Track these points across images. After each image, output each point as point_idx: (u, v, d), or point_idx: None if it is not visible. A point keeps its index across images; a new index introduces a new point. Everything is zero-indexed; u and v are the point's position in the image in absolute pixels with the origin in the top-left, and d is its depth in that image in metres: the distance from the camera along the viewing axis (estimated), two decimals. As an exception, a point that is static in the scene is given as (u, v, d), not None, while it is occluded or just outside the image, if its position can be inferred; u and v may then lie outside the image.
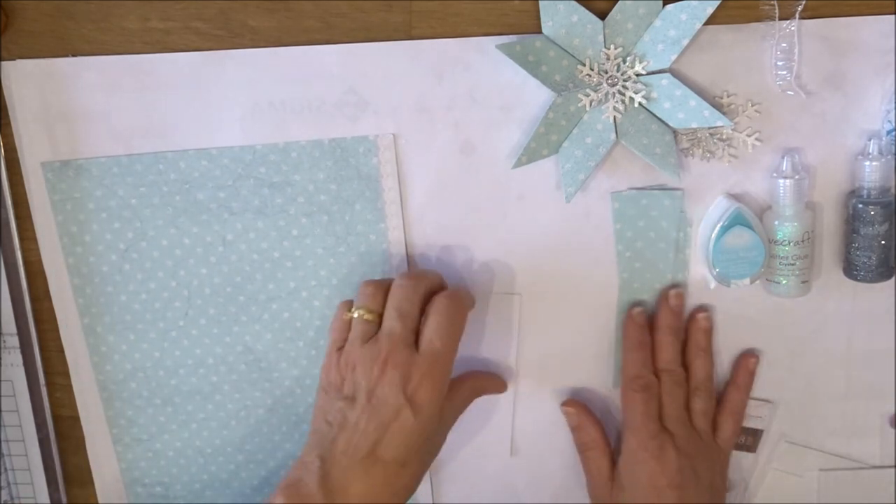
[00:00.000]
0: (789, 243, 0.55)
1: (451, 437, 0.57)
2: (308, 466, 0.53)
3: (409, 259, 0.60)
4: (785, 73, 0.54)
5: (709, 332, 0.59)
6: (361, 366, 0.53)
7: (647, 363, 0.59)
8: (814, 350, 0.61)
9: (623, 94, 0.54)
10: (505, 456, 0.64)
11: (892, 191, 0.55)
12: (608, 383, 0.62)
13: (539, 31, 0.53)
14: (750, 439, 0.63)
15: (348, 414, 0.53)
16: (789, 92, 0.54)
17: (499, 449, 0.64)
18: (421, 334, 0.54)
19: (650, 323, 0.59)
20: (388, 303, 0.55)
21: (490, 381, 0.61)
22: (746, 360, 0.60)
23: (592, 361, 0.62)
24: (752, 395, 0.62)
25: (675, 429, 0.58)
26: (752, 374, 0.61)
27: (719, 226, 0.55)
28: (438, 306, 0.54)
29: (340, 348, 0.55)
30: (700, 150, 0.56)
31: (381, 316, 0.55)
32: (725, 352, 0.61)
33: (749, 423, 0.62)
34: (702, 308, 0.60)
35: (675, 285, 0.59)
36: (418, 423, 0.52)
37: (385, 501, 0.52)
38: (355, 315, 0.55)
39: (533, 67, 0.53)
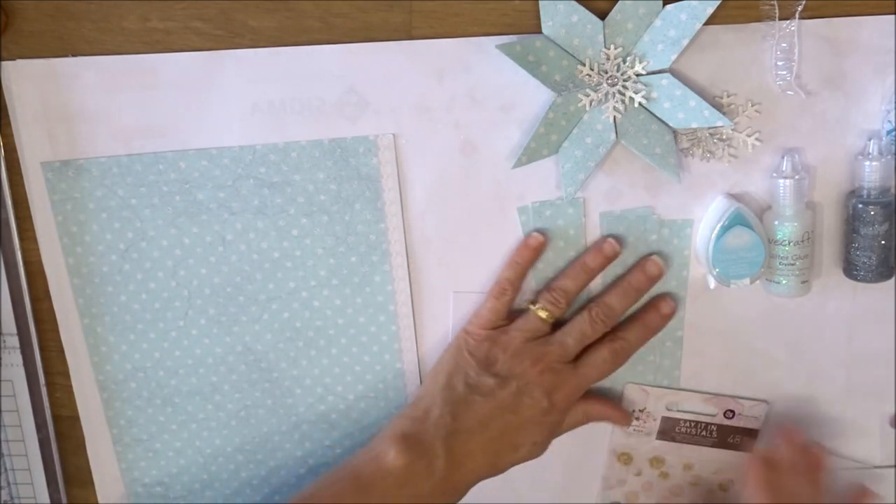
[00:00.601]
0: (789, 243, 0.55)
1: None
2: (435, 420, 0.56)
3: (409, 259, 0.60)
4: (785, 73, 0.54)
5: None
6: (523, 359, 0.57)
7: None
8: (814, 350, 0.61)
9: (623, 94, 0.54)
10: None
11: (892, 191, 0.55)
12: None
13: (539, 31, 0.53)
14: (746, 439, 0.63)
15: (496, 392, 0.57)
16: (789, 92, 0.54)
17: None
18: (588, 355, 0.58)
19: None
20: (578, 320, 0.58)
21: (615, 410, 0.62)
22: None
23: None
24: (748, 394, 0.62)
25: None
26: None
27: (719, 226, 0.55)
28: (613, 353, 0.58)
29: (497, 328, 0.59)
30: (700, 150, 0.56)
31: (554, 322, 0.58)
32: (726, 352, 0.61)
33: (745, 424, 0.62)
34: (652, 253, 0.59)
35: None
36: (548, 421, 0.58)
37: (492, 471, 0.58)
38: (533, 307, 0.58)
39: (533, 67, 0.53)
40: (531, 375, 0.57)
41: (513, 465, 0.58)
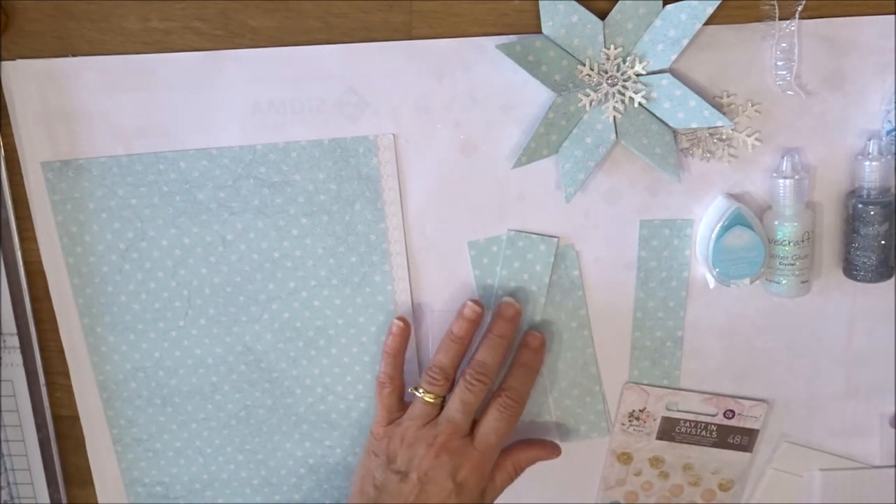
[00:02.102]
0: (789, 243, 0.55)
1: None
2: None
3: (409, 259, 0.60)
4: (785, 73, 0.54)
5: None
6: (418, 446, 0.57)
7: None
8: (814, 350, 0.61)
9: (623, 94, 0.54)
10: None
11: (892, 191, 0.55)
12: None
13: (539, 31, 0.53)
14: (746, 439, 0.63)
15: (401, 487, 0.56)
16: (789, 92, 0.54)
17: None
18: (479, 425, 0.58)
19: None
20: (456, 392, 0.58)
21: (542, 449, 0.62)
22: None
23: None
24: (748, 394, 0.62)
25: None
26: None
27: (719, 226, 0.55)
28: (501, 404, 0.58)
29: (393, 421, 0.59)
30: (700, 150, 0.56)
31: (443, 400, 0.58)
32: (726, 352, 0.61)
33: (745, 423, 0.62)
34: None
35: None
36: (459, 502, 0.56)
37: None
38: (419, 394, 0.58)
39: (533, 67, 0.53)
40: (428, 461, 0.56)
41: None
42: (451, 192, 0.58)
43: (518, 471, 0.61)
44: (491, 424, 0.57)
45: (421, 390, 0.58)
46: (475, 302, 0.59)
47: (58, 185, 0.59)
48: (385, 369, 0.59)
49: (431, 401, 0.58)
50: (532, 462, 0.61)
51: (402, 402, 0.60)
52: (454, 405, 0.57)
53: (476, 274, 0.59)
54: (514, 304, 0.58)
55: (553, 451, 0.62)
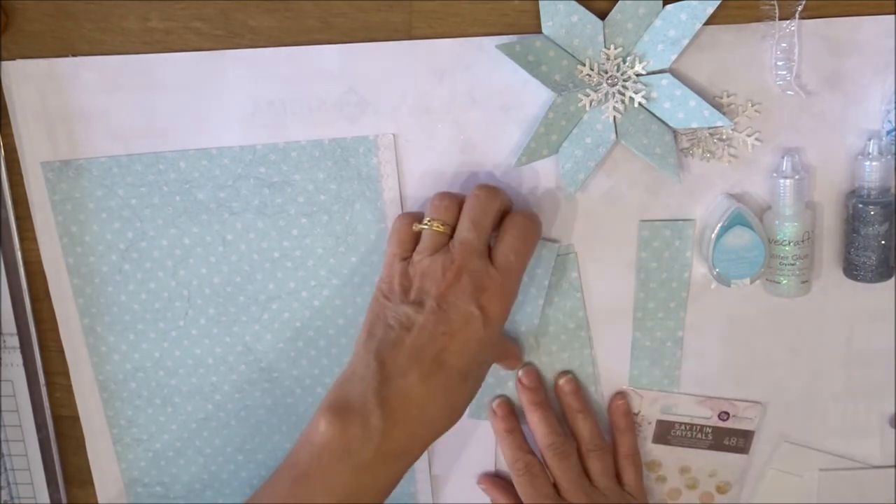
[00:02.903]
0: (789, 243, 0.55)
1: (444, 447, 0.57)
2: (361, 375, 0.49)
3: (409, 259, 0.60)
4: (785, 73, 0.54)
5: (576, 392, 0.60)
6: (433, 273, 0.50)
7: (521, 446, 0.60)
8: (814, 350, 0.61)
9: (623, 94, 0.54)
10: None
11: (892, 191, 0.55)
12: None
13: (539, 31, 0.53)
14: (741, 441, 0.63)
15: (415, 317, 0.50)
16: (789, 92, 0.54)
17: (482, 467, 0.65)
18: (495, 248, 0.52)
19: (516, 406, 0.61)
20: (462, 214, 0.52)
21: (514, 348, 0.60)
22: (616, 404, 0.61)
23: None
24: (748, 394, 0.62)
25: (577, 499, 0.58)
26: (626, 415, 0.62)
27: (719, 226, 0.55)
28: (515, 222, 0.53)
29: (406, 258, 0.53)
30: (700, 150, 0.56)
31: (453, 229, 0.53)
32: (726, 352, 0.61)
33: (740, 425, 0.62)
34: (563, 373, 0.61)
35: (527, 364, 0.61)
36: (486, 335, 0.50)
37: (440, 415, 0.50)
38: (426, 226, 0.53)
39: (533, 67, 0.53)
40: (447, 284, 0.50)
41: (467, 399, 0.51)
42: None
43: (503, 348, 0.59)
44: (508, 243, 0.52)
45: (428, 220, 0.53)
46: None
47: (58, 185, 0.59)
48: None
49: (441, 229, 0.52)
50: (505, 356, 0.59)
51: (414, 241, 0.54)
52: (464, 224, 0.52)
53: None
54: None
55: (516, 362, 0.60)
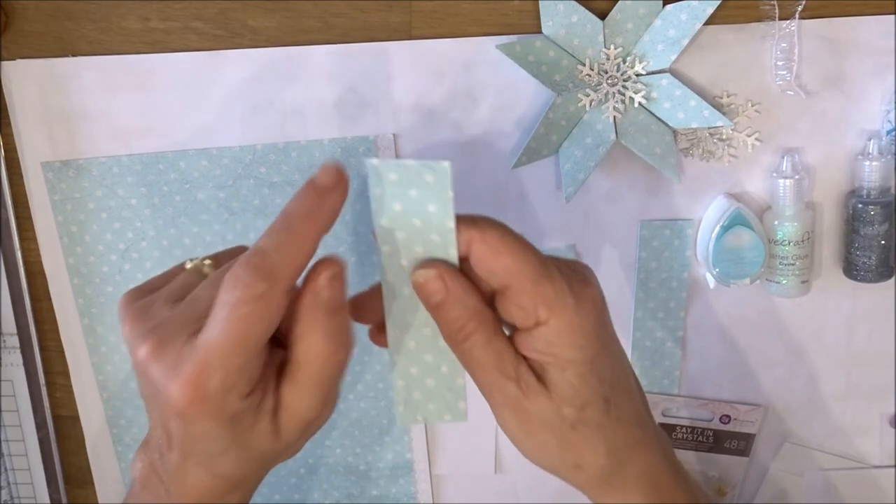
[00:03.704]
0: (789, 243, 0.55)
1: (444, 447, 0.57)
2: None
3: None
4: (785, 73, 0.54)
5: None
6: None
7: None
8: (814, 350, 0.61)
9: (623, 94, 0.54)
10: (489, 473, 0.65)
11: (892, 191, 0.55)
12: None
13: (539, 31, 0.53)
14: (742, 443, 0.63)
15: None
16: (789, 92, 0.54)
17: (483, 467, 0.64)
18: None
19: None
20: None
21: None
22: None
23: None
24: (748, 394, 0.62)
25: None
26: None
27: (719, 226, 0.55)
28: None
29: None
30: (700, 150, 0.56)
31: None
32: (726, 352, 0.61)
33: (741, 428, 0.62)
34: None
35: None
36: None
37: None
38: None
39: (533, 67, 0.53)
40: None
41: None
42: (451, 192, 0.58)
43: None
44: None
45: None
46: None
47: (58, 185, 0.59)
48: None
49: None
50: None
51: None
52: None
53: (378, 221, 0.40)
54: (333, 169, 0.39)
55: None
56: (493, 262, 0.39)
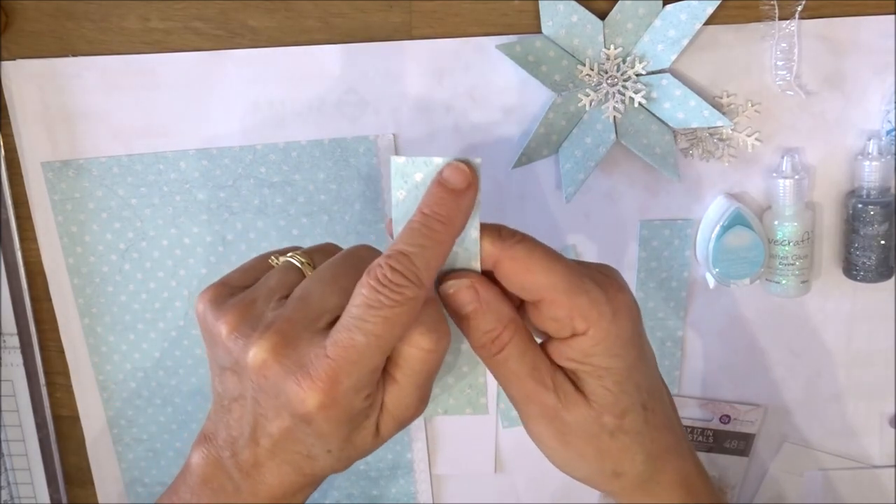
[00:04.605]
0: (789, 243, 0.55)
1: (444, 447, 0.57)
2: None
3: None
4: (785, 73, 0.54)
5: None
6: None
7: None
8: (814, 350, 0.61)
9: (623, 94, 0.54)
10: (489, 473, 0.65)
11: (892, 191, 0.55)
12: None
13: (539, 31, 0.53)
14: (742, 443, 0.63)
15: None
16: (789, 92, 0.54)
17: (483, 467, 0.64)
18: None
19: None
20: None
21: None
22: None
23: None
24: (748, 394, 0.62)
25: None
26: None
27: (719, 226, 0.55)
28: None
29: None
30: (699, 150, 0.56)
31: None
32: (726, 352, 0.61)
33: (741, 428, 0.62)
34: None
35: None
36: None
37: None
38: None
39: (533, 67, 0.53)
40: None
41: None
42: (451, 192, 0.58)
43: None
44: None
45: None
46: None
47: (58, 185, 0.59)
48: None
49: None
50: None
51: None
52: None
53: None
54: (463, 168, 0.38)
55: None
56: (524, 279, 0.39)
